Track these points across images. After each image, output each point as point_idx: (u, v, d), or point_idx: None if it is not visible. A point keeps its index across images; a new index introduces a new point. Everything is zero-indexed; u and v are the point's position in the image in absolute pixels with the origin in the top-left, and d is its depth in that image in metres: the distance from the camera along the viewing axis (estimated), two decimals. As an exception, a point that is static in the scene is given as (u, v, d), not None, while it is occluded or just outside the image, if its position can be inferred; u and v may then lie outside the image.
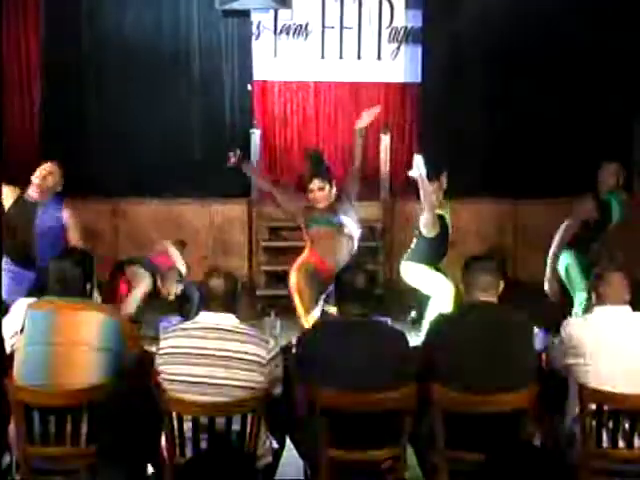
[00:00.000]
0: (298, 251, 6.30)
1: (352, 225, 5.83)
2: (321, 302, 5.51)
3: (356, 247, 5.90)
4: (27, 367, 3.91)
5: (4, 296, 4.69)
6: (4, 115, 8.60)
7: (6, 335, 4.02)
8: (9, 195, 6.01)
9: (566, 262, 6.38)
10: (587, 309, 4.28)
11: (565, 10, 8.52)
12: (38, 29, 8.80)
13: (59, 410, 3.82)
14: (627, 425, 3.89)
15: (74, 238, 6.11)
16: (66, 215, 6.12)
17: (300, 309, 5.76)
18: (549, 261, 6.37)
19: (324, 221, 5.83)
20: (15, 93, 8.86)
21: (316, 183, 5.81)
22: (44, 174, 6.04)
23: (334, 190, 5.87)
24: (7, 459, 4.10)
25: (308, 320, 5.63)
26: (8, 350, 4.01)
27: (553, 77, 8.71)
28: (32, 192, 6.02)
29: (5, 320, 4.06)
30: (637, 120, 8.74)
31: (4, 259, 5.47)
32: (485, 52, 8.84)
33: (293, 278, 5.89)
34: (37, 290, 5.52)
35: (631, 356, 4.00)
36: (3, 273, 5.18)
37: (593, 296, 4.18)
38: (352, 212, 5.90)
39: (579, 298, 6.40)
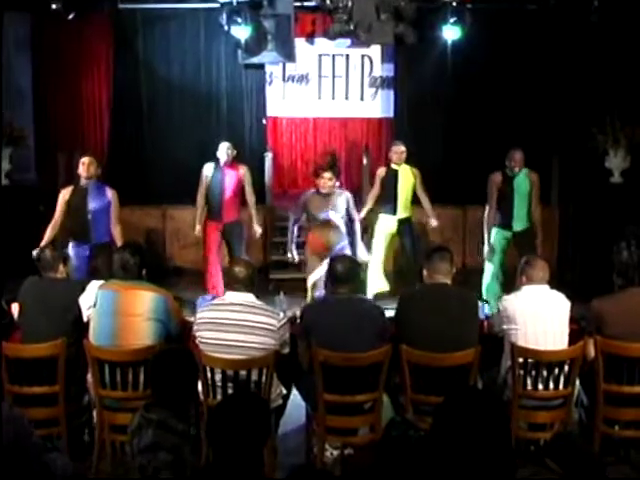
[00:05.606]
0: (300, 245, 6.36)
1: (336, 217, 5.98)
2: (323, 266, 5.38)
3: (344, 230, 6.00)
4: (99, 332, 3.93)
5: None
6: (84, 143, 8.66)
7: (83, 308, 4.05)
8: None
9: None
10: (517, 288, 4.22)
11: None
12: (109, 79, 8.84)
13: (122, 364, 3.84)
14: (544, 373, 3.91)
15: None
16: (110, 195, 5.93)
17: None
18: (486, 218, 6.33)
19: (316, 218, 6.00)
20: (90, 124, 8.90)
21: (327, 175, 6.04)
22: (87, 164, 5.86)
23: (337, 183, 6.14)
24: (86, 398, 4.14)
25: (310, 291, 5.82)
26: (85, 319, 4.03)
27: (491, 114, 8.69)
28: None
29: (82, 298, 4.08)
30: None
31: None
32: (440, 94, 8.88)
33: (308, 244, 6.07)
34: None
35: (547, 322, 4.01)
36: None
37: (522, 277, 4.09)
38: (342, 206, 6.05)
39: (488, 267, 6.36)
